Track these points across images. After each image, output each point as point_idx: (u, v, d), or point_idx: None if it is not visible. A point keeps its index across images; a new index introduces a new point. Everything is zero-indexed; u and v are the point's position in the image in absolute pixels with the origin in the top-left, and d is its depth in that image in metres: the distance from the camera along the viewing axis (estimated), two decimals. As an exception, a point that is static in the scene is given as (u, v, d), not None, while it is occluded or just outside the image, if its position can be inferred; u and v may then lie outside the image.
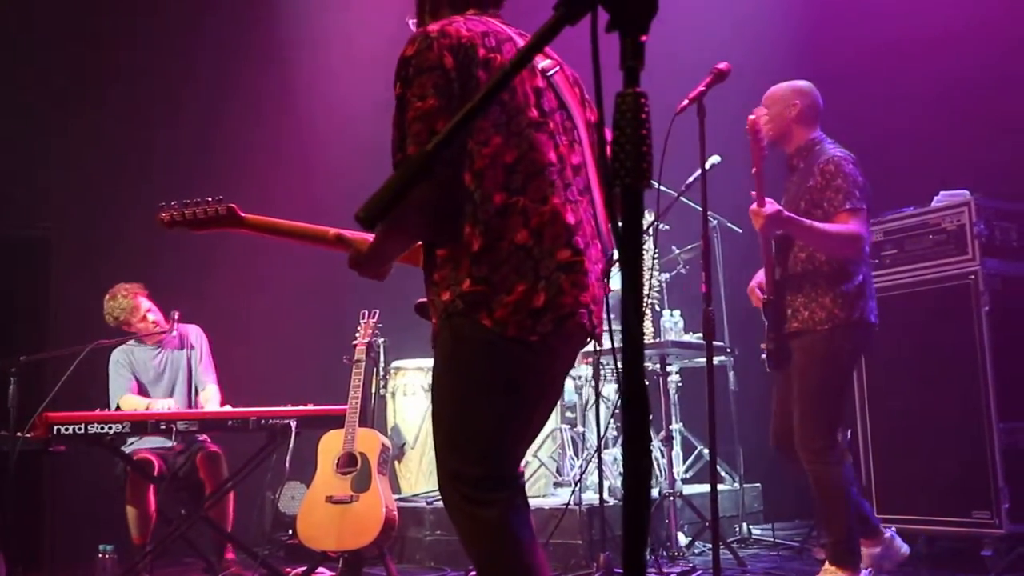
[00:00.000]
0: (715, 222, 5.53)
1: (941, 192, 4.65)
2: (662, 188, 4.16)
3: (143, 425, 4.25)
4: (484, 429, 2.09)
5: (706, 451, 5.71)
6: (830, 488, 3.64)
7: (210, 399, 4.95)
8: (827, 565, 3.67)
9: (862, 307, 3.65)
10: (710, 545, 4.29)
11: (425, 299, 2.23)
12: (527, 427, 2.21)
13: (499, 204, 2.06)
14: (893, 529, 3.96)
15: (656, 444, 5.13)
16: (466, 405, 2.10)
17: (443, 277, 2.09)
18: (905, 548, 3.89)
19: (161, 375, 5.02)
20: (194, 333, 5.14)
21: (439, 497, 5.88)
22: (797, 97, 3.80)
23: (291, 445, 4.28)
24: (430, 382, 5.91)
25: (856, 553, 3.65)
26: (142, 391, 4.97)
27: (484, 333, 2.03)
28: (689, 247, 5.65)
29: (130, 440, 4.65)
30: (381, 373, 5.74)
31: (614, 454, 5.45)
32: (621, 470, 5.36)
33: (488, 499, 2.06)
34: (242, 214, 2.47)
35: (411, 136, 2.03)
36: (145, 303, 4.98)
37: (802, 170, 3.79)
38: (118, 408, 4.82)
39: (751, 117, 3.62)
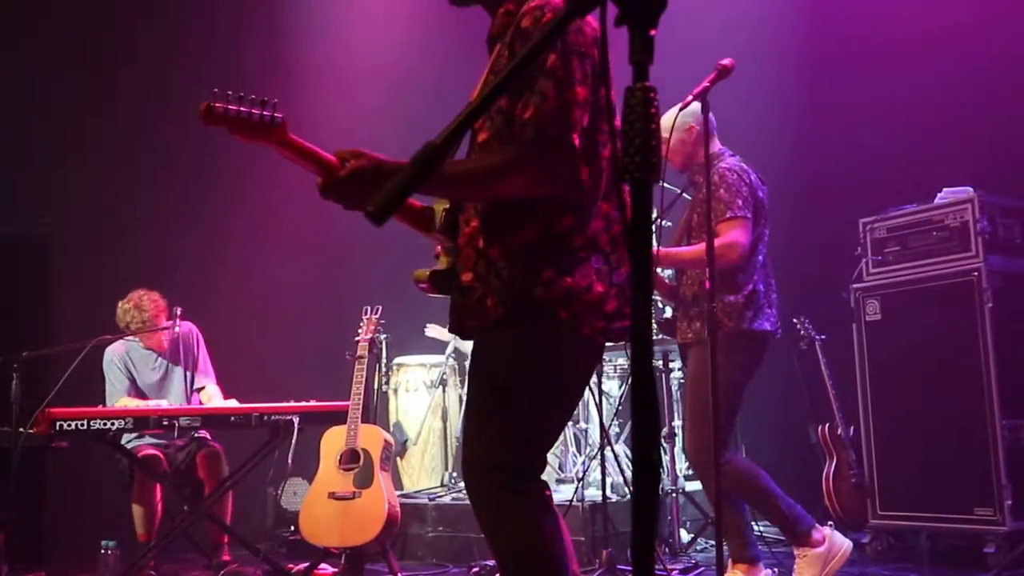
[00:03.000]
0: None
1: (944, 189, 4.65)
2: (665, 185, 4.17)
3: (145, 421, 4.24)
4: (540, 420, 2.11)
5: (708, 448, 5.70)
6: (738, 483, 3.65)
7: (212, 397, 4.91)
8: (795, 551, 3.70)
9: (751, 317, 3.70)
10: (712, 542, 4.29)
11: (441, 268, 2.19)
12: (568, 419, 2.31)
13: (594, 205, 2.09)
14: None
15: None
16: (529, 396, 2.08)
17: (521, 263, 2.05)
18: None
19: (157, 374, 4.95)
20: (191, 335, 5.04)
21: (440, 494, 5.88)
22: (693, 120, 3.82)
23: (293, 441, 4.28)
24: (432, 378, 5.96)
25: (803, 519, 3.68)
26: (139, 391, 4.92)
27: (560, 327, 2.04)
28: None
29: (127, 437, 4.63)
30: (383, 369, 5.75)
31: (617, 450, 5.44)
32: (623, 467, 5.38)
33: (527, 489, 2.07)
34: (290, 134, 2.17)
35: (573, 121, 1.98)
36: (163, 322, 4.90)
37: (699, 184, 3.86)
38: None
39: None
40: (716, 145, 3.87)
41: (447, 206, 2.23)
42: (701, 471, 3.75)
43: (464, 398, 5.72)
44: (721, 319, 3.67)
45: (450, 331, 2.27)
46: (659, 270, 4.04)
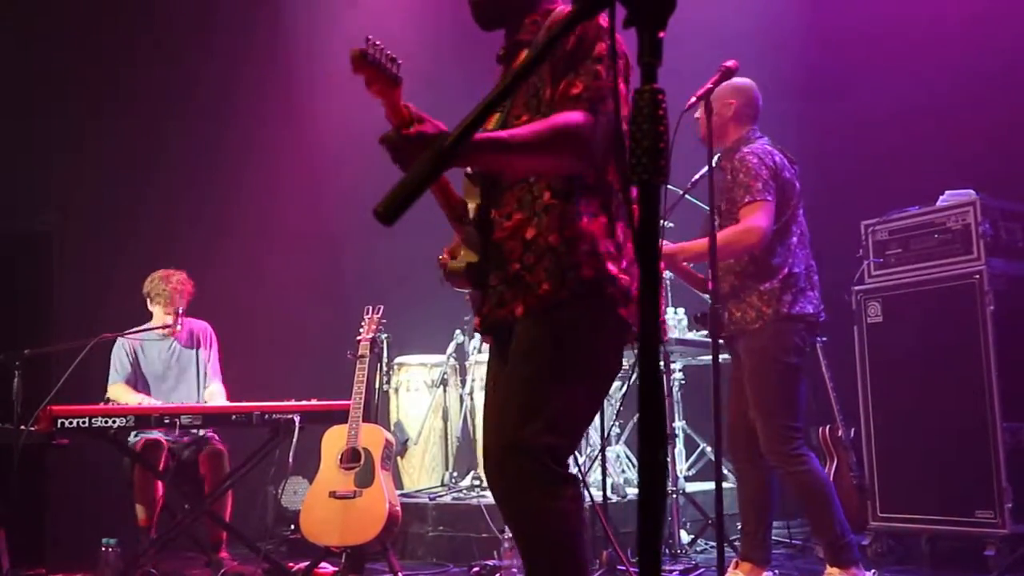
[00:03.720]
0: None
1: (946, 191, 4.65)
2: (668, 186, 4.16)
3: (147, 419, 4.25)
4: (589, 407, 2.22)
5: (708, 449, 5.71)
6: (806, 489, 3.63)
7: (214, 395, 4.95)
8: (828, 568, 3.65)
9: (790, 301, 3.64)
10: (713, 543, 4.29)
11: (473, 260, 2.20)
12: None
13: (624, 203, 2.14)
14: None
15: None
16: (586, 384, 2.15)
17: (585, 254, 2.09)
18: None
19: (170, 370, 5.00)
20: (206, 332, 5.12)
21: (441, 493, 5.87)
22: (733, 96, 3.78)
23: (294, 440, 4.27)
24: (433, 378, 5.95)
25: (852, 548, 3.64)
26: (147, 384, 4.96)
27: (619, 321, 2.12)
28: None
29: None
30: (384, 369, 5.75)
31: (617, 451, 5.45)
32: (624, 467, 5.38)
33: (570, 476, 2.10)
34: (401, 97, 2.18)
35: (614, 106, 2.05)
36: (181, 305, 4.94)
37: (724, 169, 3.82)
38: (108, 399, 4.80)
39: None
40: (748, 130, 3.80)
41: (479, 202, 2.25)
42: (783, 467, 3.62)
43: (464, 397, 5.72)
44: (759, 308, 3.64)
45: (485, 327, 2.27)
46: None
